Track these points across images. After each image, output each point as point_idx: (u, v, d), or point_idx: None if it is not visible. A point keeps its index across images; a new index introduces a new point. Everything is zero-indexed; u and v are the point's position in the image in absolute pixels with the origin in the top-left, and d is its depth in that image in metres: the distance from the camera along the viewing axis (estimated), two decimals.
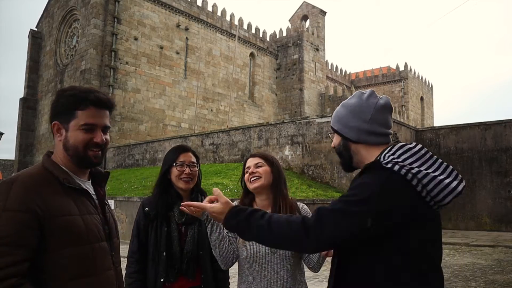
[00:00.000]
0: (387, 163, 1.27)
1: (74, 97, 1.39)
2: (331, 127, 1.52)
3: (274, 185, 1.99)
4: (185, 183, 2.21)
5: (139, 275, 2.16)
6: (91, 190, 1.48)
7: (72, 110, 1.38)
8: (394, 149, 1.35)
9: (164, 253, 2.12)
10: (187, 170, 2.21)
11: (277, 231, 1.29)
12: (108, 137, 1.47)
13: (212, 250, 1.90)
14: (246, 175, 2.01)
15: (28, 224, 1.23)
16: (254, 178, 1.97)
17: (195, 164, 2.27)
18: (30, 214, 1.24)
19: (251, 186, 1.98)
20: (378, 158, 1.36)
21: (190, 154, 2.27)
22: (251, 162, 2.03)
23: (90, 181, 1.51)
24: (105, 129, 1.44)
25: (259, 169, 1.99)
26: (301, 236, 1.25)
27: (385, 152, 1.36)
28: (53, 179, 1.35)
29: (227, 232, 1.90)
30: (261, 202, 2.02)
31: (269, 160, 2.03)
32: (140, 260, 2.19)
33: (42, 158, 1.45)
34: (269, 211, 1.97)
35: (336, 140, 1.51)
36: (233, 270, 2.22)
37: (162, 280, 2.11)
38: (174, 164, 2.22)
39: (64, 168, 1.41)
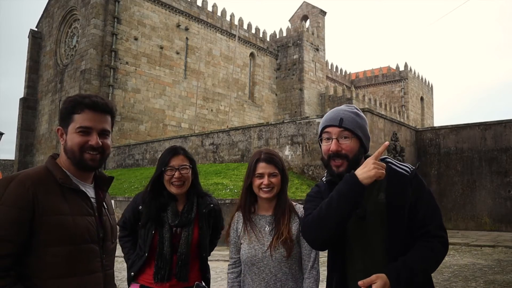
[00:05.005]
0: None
1: (72, 102, 1.44)
2: (350, 130, 1.56)
3: (281, 192, 2.00)
4: (176, 188, 2.16)
5: (130, 238, 2.31)
6: (90, 192, 1.50)
7: (70, 114, 1.43)
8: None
9: (146, 254, 2.12)
10: (176, 174, 2.15)
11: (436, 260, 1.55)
12: (108, 141, 1.48)
13: None
14: (258, 182, 1.96)
15: (19, 220, 1.27)
16: (267, 189, 1.95)
17: (187, 167, 2.19)
18: (22, 210, 1.28)
19: (263, 196, 1.96)
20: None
21: (182, 157, 2.20)
22: (265, 169, 1.97)
23: (93, 185, 1.53)
24: (103, 133, 1.46)
25: (273, 180, 1.96)
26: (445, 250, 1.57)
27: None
28: (51, 179, 1.39)
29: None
30: (263, 204, 2.03)
31: (279, 168, 2.00)
32: (131, 229, 2.32)
33: (47, 158, 1.49)
34: (270, 213, 2.01)
35: (355, 145, 1.57)
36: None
37: (132, 274, 2.17)
38: (163, 169, 2.18)
39: (64, 170, 1.44)
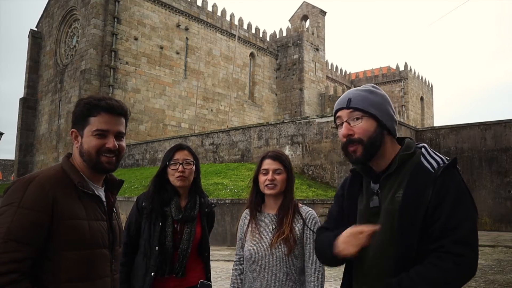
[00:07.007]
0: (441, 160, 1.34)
1: (88, 104, 1.44)
2: (360, 110, 1.38)
3: (287, 191, 2.03)
4: (180, 181, 2.19)
5: (124, 268, 2.16)
6: (103, 196, 1.50)
7: (86, 117, 1.43)
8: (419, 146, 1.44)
9: (157, 247, 2.11)
10: (180, 168, 2.19)
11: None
12: (123, 143, 1.49)
13: None
14: (263, 178, 2.00)
15: (38, 223, 1.27)
16: (271, 185, 1.98)
17: (191, 162, 2.24)
18: (42, 214, 1.28)
19: (267, 192, 2.00)
20: (416, 152, 1.39)
21: (186, 152, 2.25)
22: (270, 165, 2.01)
23: (103, 188, 1.54)
24: (119, 136, 1.47)
25: (278, 177, 1.99)
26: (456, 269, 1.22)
27: (419, 148, 1.41)
28: (69, 181, 1.39)
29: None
30: (270, 203, 2.05)
31: (286, 166, 2.03)
32: (127, 253, 2.20)
33: (62, 159, 1.49)
34: (275, 212, 2.02)
35: (369, 126, 1.38)
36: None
37: (152, 274, 2.08)
38: (168, 162, 2.22)
39: (80, 172, 1.44)
